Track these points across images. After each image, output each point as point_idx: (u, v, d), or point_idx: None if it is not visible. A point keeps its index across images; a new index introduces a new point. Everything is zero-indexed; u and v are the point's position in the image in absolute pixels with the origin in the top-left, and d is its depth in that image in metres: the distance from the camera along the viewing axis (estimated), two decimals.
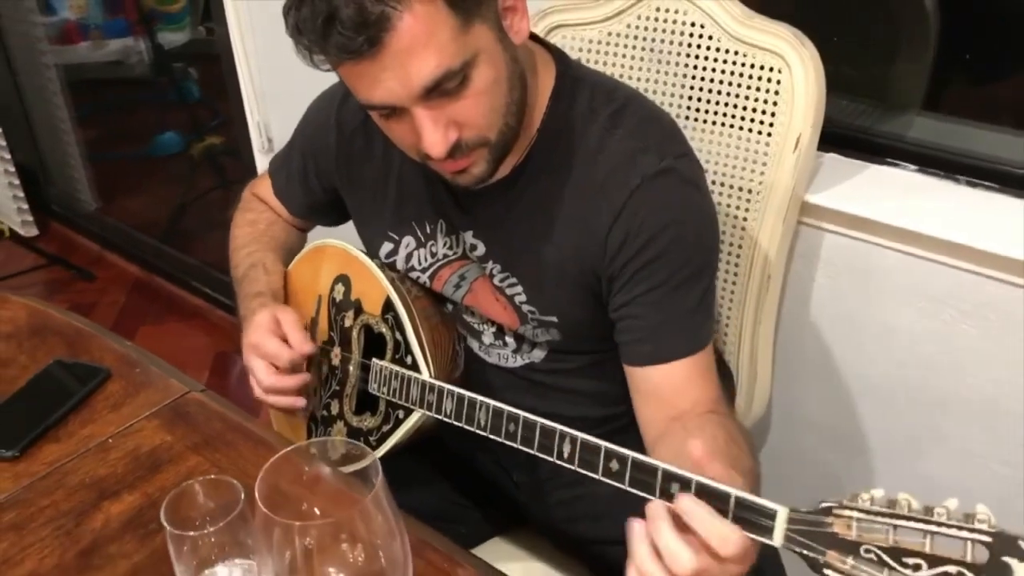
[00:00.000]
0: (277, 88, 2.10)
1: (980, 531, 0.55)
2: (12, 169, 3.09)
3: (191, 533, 0.75)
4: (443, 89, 0.84)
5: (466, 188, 0.96)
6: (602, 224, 0.95)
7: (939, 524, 0.57)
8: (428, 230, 1.09)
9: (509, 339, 1.11)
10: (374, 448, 1.09)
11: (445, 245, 1.08)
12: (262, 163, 2.24)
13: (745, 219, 1.26)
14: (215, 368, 2.57)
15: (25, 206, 3.18)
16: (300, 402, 1.11)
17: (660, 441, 0.95)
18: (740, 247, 1.28)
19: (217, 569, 0.80)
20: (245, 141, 2.27)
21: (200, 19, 3.43)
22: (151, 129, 3.66)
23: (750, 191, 1.25)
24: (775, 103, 1.20)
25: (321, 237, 1.24)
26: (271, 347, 1.06)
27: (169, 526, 0.75)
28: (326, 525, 0.64)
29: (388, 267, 1.14)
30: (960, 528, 0.56)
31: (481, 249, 1.05)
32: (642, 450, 0.81)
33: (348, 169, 1.13)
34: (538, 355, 1.10)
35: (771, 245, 1.26)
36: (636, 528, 0.71)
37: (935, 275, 1.24)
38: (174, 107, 3.67)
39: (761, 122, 1.22)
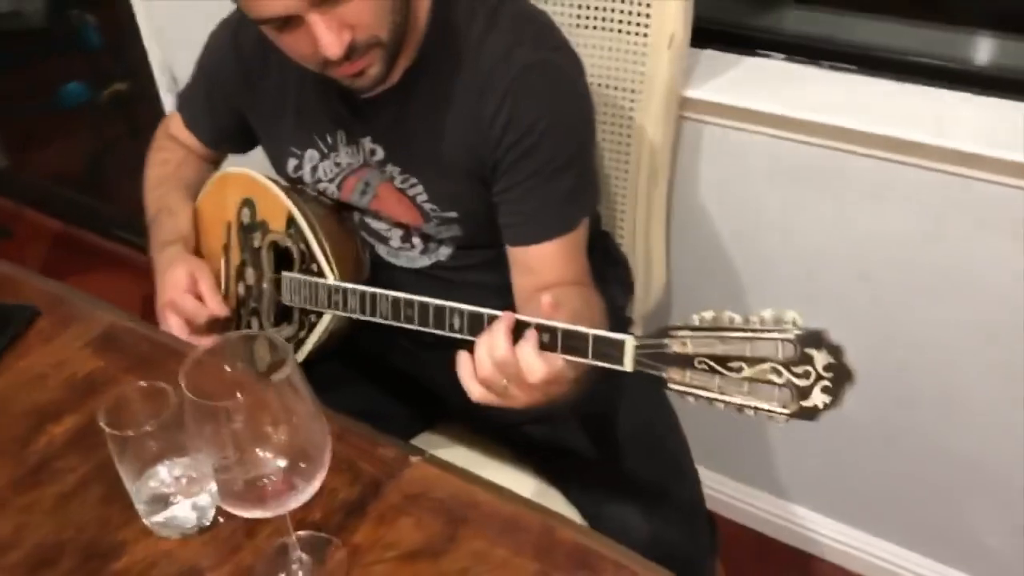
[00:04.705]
0: (177, 26, 2.11)
1: (786, 331, 0.65)
2: None
3: (129, 433, 0.83)
4: None
5: (363, 91, 1.04)
6: (487, 115, 1.04)
7: (754, 331, 0.67)
8: (330, 142, 1.15)
9: (416, 240, 1.19)
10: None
11: (347, 154, 1.15)
12: (170, 103, 2.25)
13: (631, 117, 1.35)
14: (146, 313, 2.60)
15: None
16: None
17: (525, 306, 1.08)
18: (629, 144, 1.37)
19: (158, 468, 0.89)
20: (153, 88, 2.28)
21: None
22: (55, 81, 3.58)
23: (632, 90, 1.33)
24: (648, 4, 1.28)
25: (225, 168, 1.30)
26: (188, 307, 1.14)
27: (108, 428, 0.83)
28: (248, 404, 0.72)
29: (291, 186, 1.21)
30: (771, 331, 0.66)
31: (380, 153, 1.12)
32: None
33: (249, 90, 1.19)
34: (444, 252, 1.19)
35: (655, 140, 1.35)
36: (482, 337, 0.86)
37: (799, 154, 1.36)
38: (76, 56, 3.59)
39: (637, 23, 1.30)
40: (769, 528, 1.81)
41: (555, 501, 1.21)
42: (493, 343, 0.84)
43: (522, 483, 1.24)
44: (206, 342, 1.13)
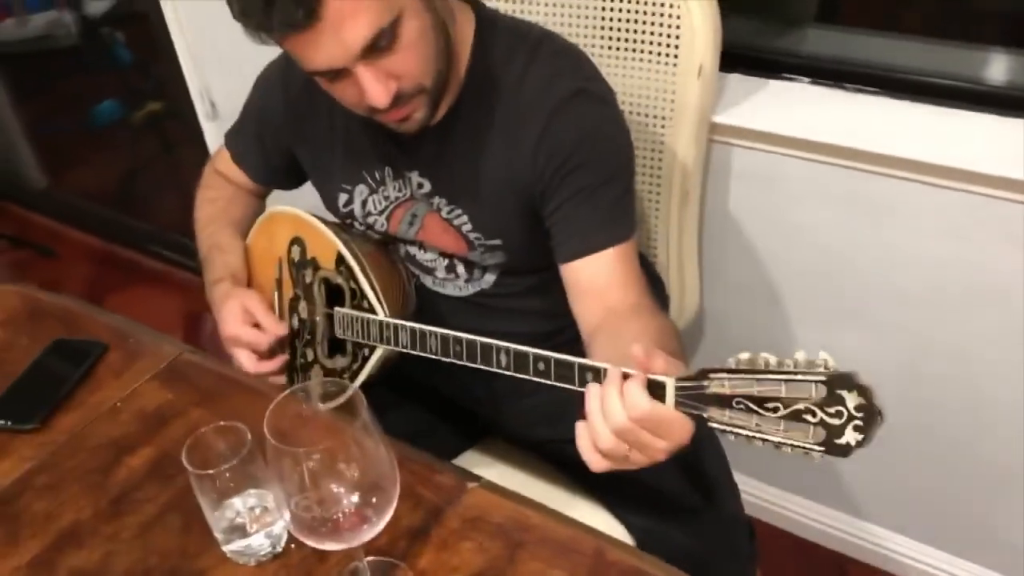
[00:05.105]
0: (215, 53, 2.17)
1: (819, 373, 0.70)
2: None
3: (210, 471, 0.89)
4: (378, 47, 0.96)
5: (408, 133, 1.09)
6: (529, 146, 1.09)
7: (789, 373, 0.71)
8: (378, 177, 1.21)
9: (461, 269, 1.24)
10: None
11: (395, 188, 1.21)
12: (208, 130, 2.32)
13: (662, 143, 1.40)
14: (187, 329, 2.68)
15: None
16: (282, 379, 1.25)
17: (598, 332, 1.06)
18: (660, 168, 1.42)
19: (234, 500, 0.95)
20: (187, 106, 2.34)
21: None
22: (88, 101, 3.68)
23: (664, 117, 1.39)
24: (677, 36, 1.33)
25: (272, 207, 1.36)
26: (249, 337, 1.20)
27: (191, 467, 0.89)
28: (326, 448, 0.78)
29: (338, 223, 1.27)
30: (804, 373, 0.70)
31: (427, 186, 1.18)
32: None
33: (298, 128, 1.25)
34: (489, 279, 1.24)
35: (686, 164, 1.40)
36: (591, 387, 0.84)
37: (828, 175, 1.41)
38: (109, 75, 3.68)
39: (667, 54, 1.34)
40: (808, 532, 1.87)
41: (598, 513, 1.27)
42: (608, 409, 0.81)
43: (566, 498, 1.30)
44: (272, 366, 1.20)
